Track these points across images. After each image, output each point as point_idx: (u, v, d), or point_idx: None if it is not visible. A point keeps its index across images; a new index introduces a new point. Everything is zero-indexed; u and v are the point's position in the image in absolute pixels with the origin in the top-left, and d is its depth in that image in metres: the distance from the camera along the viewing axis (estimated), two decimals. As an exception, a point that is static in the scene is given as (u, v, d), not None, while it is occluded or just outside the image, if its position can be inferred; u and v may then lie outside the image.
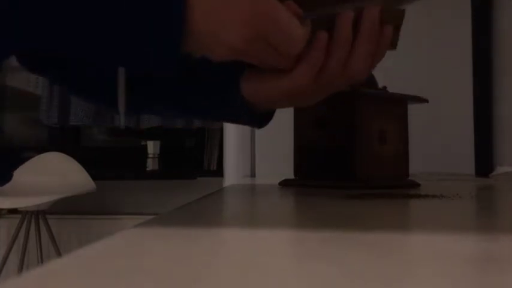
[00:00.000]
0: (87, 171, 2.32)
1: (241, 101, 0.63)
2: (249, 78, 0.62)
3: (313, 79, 0.56)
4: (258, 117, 0.67)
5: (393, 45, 0.59)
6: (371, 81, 0.78)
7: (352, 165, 0.75)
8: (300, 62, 0.55)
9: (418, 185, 0.77)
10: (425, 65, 1.37)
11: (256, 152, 1.39)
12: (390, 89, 0.79)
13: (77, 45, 0.46)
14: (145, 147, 2.74)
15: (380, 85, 0.80)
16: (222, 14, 0.45)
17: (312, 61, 0.55)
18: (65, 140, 2.80)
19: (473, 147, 1.37)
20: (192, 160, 2.78)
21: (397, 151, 0.80)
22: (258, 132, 1.39)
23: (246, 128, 1.39)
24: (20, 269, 2.32)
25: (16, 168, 2.09)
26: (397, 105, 0.79)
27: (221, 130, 1.99)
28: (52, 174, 2.29)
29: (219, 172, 1.77)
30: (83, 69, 0.67)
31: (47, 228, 2.31)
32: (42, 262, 2.35)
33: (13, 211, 2.48)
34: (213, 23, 0.45)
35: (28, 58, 0.65)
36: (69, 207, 2.48)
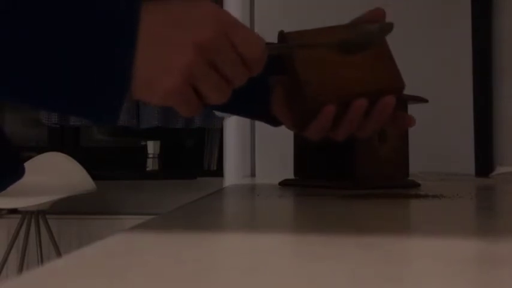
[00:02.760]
0: (87, 171, 2.32)
1: (268, 113, 0.67)
2: (279, 101, 0.65)
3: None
4: (275, 120, 0.69)
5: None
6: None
7: (352, 166, 0.75)
8: (311, 124, 0.59)
9: (418, 185, 0.77)
10: (425, 65, 1.37)
11: (256, 152, 1.39)
12: (390, 89, 0.79)
13: (21, 93, 0.45)
14: (145, 147, 2.74)
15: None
16: (162, 63, 0.45)
17: (319, 127, 0.59)
18: (65, 140, 2.80)
19: (473, 147, 1.37)
20: (192, 160, 2.78)
21: (397, 151, 0.80)
22: (258, 132, 1.39)
23: (246, 128, 1.39)
24: (20, 269, 2.32)
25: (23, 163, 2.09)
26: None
27: (221, 130, 1.99)
28: (52, 174, 2.29)
29: (219, 172, 1.77)
30: None
31: (47, 228, 2.31)
32: (42, 262, 2.35)
33: (13, 211, 2.48)
34: (151, 71, 0.45)
35: None
36: (69, 207, 2.48)
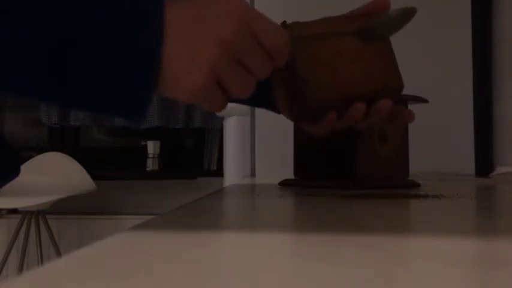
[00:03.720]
0: (87, 171, 2.32)
1: (269, 103, 0.68)
2: (280, 93, 0.66)
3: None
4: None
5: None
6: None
7: (352, 165, 0.75)
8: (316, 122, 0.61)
9: (418, 185, 0.77)
10: (425, 65, 1.37)
11: (256, 152, 1.39)
12: (390, 89, 0.79)
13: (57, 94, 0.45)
14: (145, 147, 2.74)
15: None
16: (188, 59, 0.45)
17: (320, 128, 0.62)
18: (65, 140, 2.80)
19: (473, 147, 1.37)
20: (192, 160, 2.78)
21: (397, 151, 0.80)
22: (258, 132, 1.39)
23: (246, 128, 1.39)
24: (20, 269, 2.32)
25: (22, 163, 2.09)
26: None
27: (221, 130, 1.99)
28: (52, 174, 2.29)
29: (219, 172, 1.77)
30: None
31: (47, 228, 2.31)
32: (42, 262, 2.35)
33: (13, 211, 2.48)
34: (177, 68, 0.45)
35: None
36: (69, 207, 2.48)
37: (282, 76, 0.62)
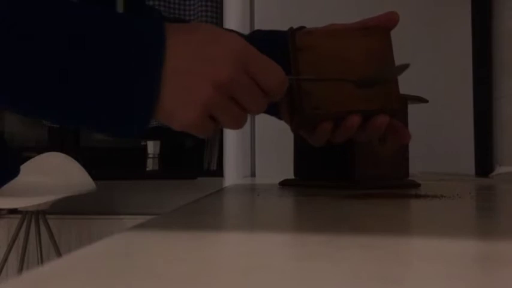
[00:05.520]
0: (87, 171, 2.32)
1: (273, 111, 0.69)
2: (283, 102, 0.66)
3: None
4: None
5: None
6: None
7: (352, 165, 0.75)
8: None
9: (418, 185, 0.77)
10: (425, 65, 1.37)
11: (256, 152, 1.39)
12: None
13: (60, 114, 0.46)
14: (145, 147, 2.74)
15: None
16: (184, 95, 0.47)
17: (316, 138, 0.64)
18: (65, 140, 2.80)
19: (473, 147, 1.37)
20: (192, 160, 2.78)
21: (397, 151, 0.80)
22: (258, 132, 1.39)
23: (246, 128, 1.39)
24: (20, 269, 2.32)
25: (22, 164, 2.09)
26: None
27: (221, 130, 1.99)
28: (52, 174, 2.29)
29: (219, 172, 1.77)
30: None
31: (47, 228, 2.31)
32: (42, 262, 2.35)
33: (13, 211, 2.48)
34: (173, 102, 0.47)
35: None
36: (69, 207, 2.48)
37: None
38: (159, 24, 0.47)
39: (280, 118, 0.70)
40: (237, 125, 0.51)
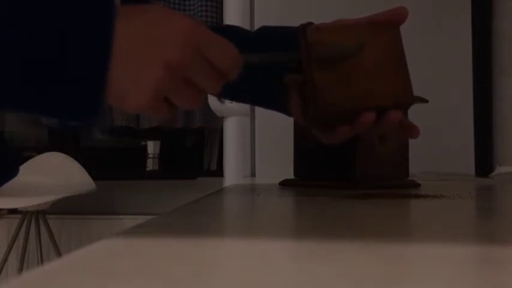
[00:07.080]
0: (87, 171, 2.32)
1: (283, 107, 0.68)
2: (294, 98, 0.66)
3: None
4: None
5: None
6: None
7: (352, 166, 0.75)
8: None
9: (418, 185, 0.77)
10: (425, 65, 1.37)
11: (256, 152, 1.39)
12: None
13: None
14: (145, 147, 2.74)
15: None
16: (134, 78, 0.47)
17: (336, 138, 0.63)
18: (65, 140, 2.80)
19: (473, 147, 1.37)
20: (192, 160, 2.78)
21: (397, 151, 0.80)
22: (258, 132, 1.39)
23: (246, 128, 1.39)
24: (20, 269, 2.32)
25: (22, 164, 2.09)
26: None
27: (221, 130, 1.99)
28: (52, 174, 2.29)
29: (219, 172, 1.76)
30: None
31: (47, 228, 2.31)
32: (42, 262, 2.35)
33: (13, 211, 2.48)
34: (124, 85, 0.47)
35: None
36: (69, 207, 2.48)
37: (298, 82, 0.63)
38: (109, 6, 0.46)
39: (290, 115, 0.70)
40: (193, 103, 0.50)
